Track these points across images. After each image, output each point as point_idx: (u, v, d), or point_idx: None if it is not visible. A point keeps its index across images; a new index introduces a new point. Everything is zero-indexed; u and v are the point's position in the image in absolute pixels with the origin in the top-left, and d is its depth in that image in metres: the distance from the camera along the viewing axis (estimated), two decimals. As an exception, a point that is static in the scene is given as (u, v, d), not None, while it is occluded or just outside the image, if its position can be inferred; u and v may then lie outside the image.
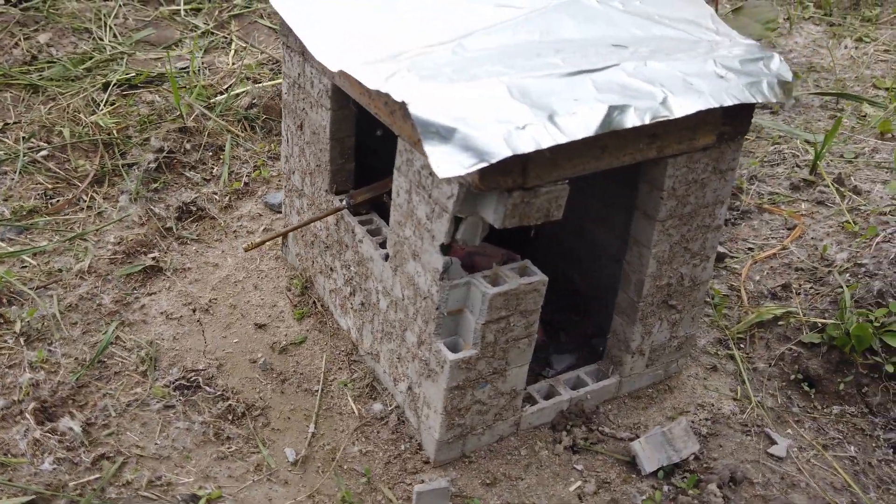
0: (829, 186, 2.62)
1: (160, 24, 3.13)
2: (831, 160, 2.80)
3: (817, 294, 2.23)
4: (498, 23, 1.68)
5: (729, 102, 1.60)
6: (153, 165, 2.42)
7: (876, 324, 2.06)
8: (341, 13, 1.75)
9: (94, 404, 1.83)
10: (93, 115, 2.53)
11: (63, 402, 1.82)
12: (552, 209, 1.61)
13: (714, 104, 1.58)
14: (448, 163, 1.37)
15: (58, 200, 2.30)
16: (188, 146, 2.53)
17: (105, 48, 2.87)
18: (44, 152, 2.42)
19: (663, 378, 2.03)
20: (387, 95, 1.47)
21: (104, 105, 2.59)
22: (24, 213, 2.25)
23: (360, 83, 1.55)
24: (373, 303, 1.89)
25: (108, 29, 2.98)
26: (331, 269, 2.05)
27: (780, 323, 2.15)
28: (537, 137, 1.42)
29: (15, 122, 2.51)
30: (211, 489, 1.69)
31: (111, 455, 1.73)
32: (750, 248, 2.47)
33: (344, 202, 1.92)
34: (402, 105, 1.41)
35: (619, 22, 1.76)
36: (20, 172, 2.35)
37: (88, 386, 1.87)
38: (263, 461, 1.76)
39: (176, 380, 1.89)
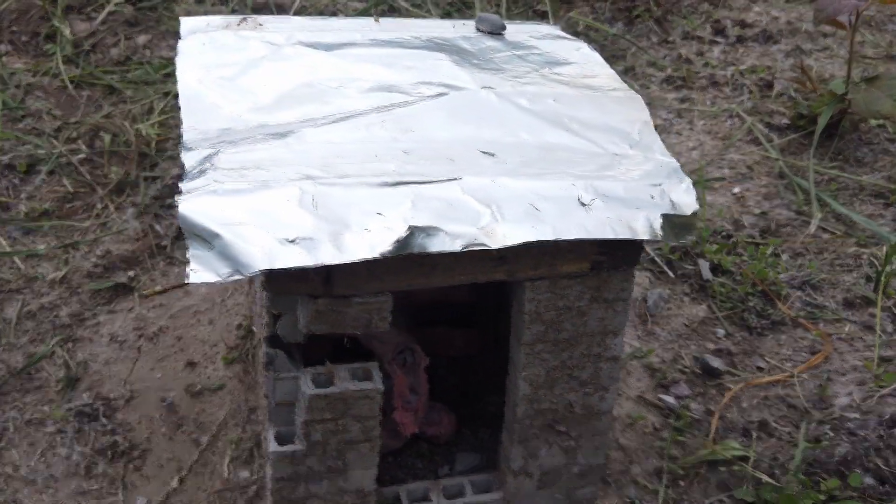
0: (882, 309, 2.25)
1: (259, 34, 3.21)
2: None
3: (789, 442, 1.94)
4: (361, 112, 1.59)
5: (573, 237, 1.42)
6: (172, 181, 2.51)
7: (823, 496, 1.76)
8: (234, 69, 1.73)
9: (1, 415, 1.95)
10: (142, 123, 2.66)
11: (-27, 409, 1.96)
12: (374, 320, 1.52)
13: (551, 237, 1.41)
14: (204, 270, 1.32)
15: (72, 205, 2.45)
16: (219, 165, 2.59)
17: (193, 55, 3.00)
18: (81, 156, 2.59)
19: (565, 503, 1.85)
20: (191, 184, 1.44)
21: (157, 114, 2.72)
22: (37, 214, 2.42)
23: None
24: (260, 369, 1.87)
25: (208, 35, 3.10)
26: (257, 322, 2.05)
27: (722, 467, 1.89)
28: (307, 254, 1.33)
29: (76, 122, 2.70)
30: (51, 524, 1.76)
31: (-16, 470, 1.85)
32: (760, 368, 2.18)
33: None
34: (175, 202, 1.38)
35: (511, 123, 1.60)
36: (50, 173, 2.52)
37: (7, 396, 1.99)
38: (114, 506, 1.80)
39: (82, 405, 1.97)
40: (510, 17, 3.41)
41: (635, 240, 1.49)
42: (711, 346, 2.24)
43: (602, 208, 1.45)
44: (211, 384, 2.04)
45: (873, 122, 3.12)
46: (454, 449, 1.97)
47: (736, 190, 2.77)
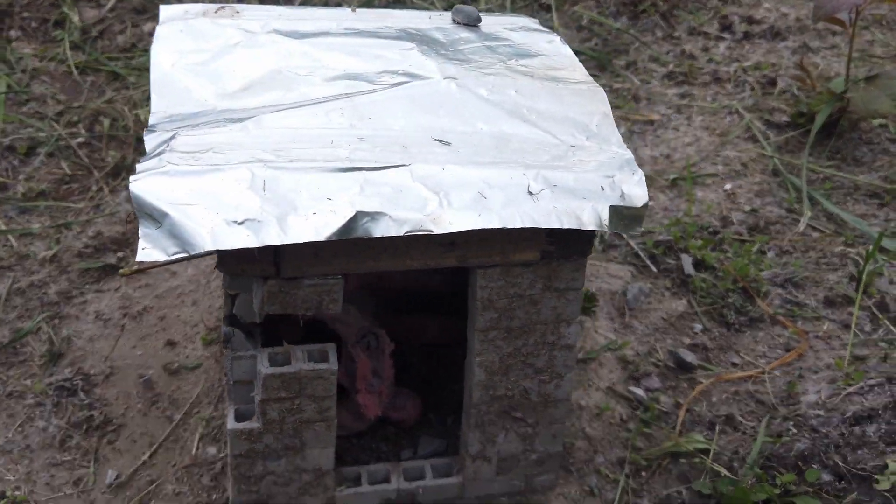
0: (862, 308, 2.25)
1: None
2: (898, 277, 2.40)
3: (752, 437, 1.94)
4: (323, 99, 1.62)
5: (518, 225, 1.44)
6: (167, 166, 2.55)
7: (778, 490, 1.77)
8: (207, 55, 1.77)
9: (-17, 387, 2.02)
10: (141, 108, 2.72)
11: (-43, 380, 2.02)
12: (324, 302, 1.56)
13: (496, 225, 1.44)
14: (153, 248, 1.36)
15: (69, 187, 2.51)
16: (214, 151, 2.64)
17: (197, 43, 3.05)
18: (80, 139, 2.65)
19: (523, 489, 1.87)
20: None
21: (156, 101, 2.76)
22: (34, 195, 2.48)
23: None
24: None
25: (214, 24, 3.15)
26: (233, 304, 2.09)
27: (684, 459, 1.91)
28: (252, 235, 1.37)
29: (78, 107, 2.76)
30: (23, 492, 1.82)
31: (-38, 439, 1.91)
32: (735, 363, 2.18)
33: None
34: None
35: (469, 113, 1.63)
36: (49, 156, 2.58)
37: (-10, 369, 2.07)
38: (84, 477, 1.86)
39: (63, 380, 2.03)
40: (514, 11, 3.43)
41: (583, 230, 1.51)
42: (687, 340, 2.25)
43: (550, 198, 1.47)
44: (188, 363, 2.09)
45: (875, 121, 3.10)
46: (419, 434, 2.00)
47: (728, 186, 2.77)
